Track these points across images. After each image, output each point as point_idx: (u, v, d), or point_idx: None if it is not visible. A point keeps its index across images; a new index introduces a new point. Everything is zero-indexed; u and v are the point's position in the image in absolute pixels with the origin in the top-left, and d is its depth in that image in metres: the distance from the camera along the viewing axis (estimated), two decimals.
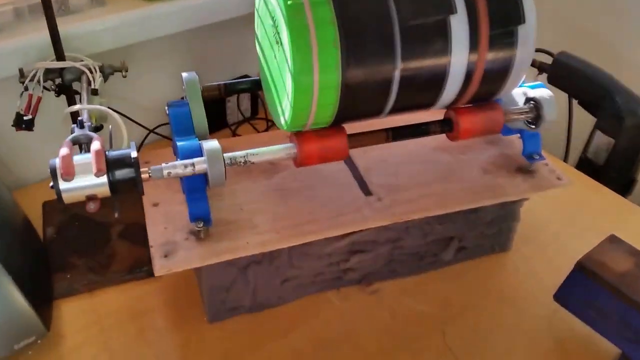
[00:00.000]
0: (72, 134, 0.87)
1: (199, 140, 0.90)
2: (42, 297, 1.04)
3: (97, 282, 1.13)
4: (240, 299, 1.01)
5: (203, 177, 0.87)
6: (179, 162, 0.84)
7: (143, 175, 0.82)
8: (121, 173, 0.80)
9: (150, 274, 1.02)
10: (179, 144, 0.89)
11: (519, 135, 1.06)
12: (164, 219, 0.96)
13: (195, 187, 0.90)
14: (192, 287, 1.09)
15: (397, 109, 0.85)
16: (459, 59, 0.81)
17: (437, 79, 0.81)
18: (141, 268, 1.12)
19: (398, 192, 0.99)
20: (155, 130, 1.43)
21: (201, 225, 0.92)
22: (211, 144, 0.83)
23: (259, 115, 1.56)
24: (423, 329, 1.03)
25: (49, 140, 0.86)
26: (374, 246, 1.02)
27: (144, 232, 0.94)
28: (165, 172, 0.83)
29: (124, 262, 1.18)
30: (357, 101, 0.81)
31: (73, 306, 1.09)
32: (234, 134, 1.48)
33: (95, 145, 0.80)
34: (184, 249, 0.91)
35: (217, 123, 1.49)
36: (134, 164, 0.79)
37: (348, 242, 1.00)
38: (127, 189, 0.82)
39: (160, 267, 0.89)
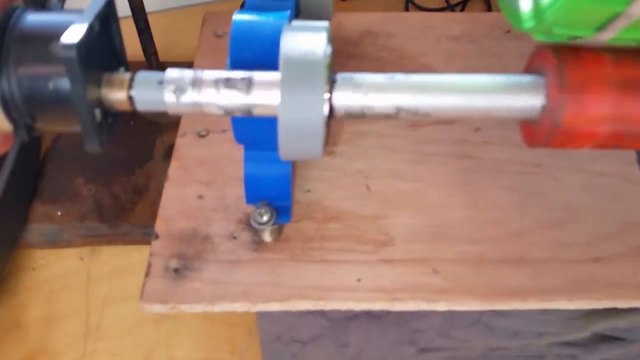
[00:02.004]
0: None
1: (301, 14, 0.39)
2: None
3: (103, 236, 0.66)
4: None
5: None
6: (211, 73, 0.30)
7: (114, 96, 0.30)
8: (32, 80, 0.27)
9: None
10: (234, 17, 0.34)
11: None
12: (204, 176, 0.45)
13: (258, 136, 0.37)
14: None
15: None
16: None
17: None
18: None
19: None
20: None
21: (266, 218, 0.39)
22: (304, 42, 0.28)
23: None
24: None
25: None
26: None
27: None
28: (168, 96, 0.30)
29: (158, 205, 0.68)
30: None
31: (50, 270, 0.63)
32: None
33: None
34: (219, 263, 0.42)
35: None
36: (67, 60, 0.26)
37: (600, 329, 0.43)
38: (58, 123, 0.30)
39: (150, 295, 0.39)
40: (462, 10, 0.86)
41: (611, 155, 0.47)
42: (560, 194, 0.45)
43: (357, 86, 0.31)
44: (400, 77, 0.31)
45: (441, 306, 0.40)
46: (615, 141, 0.29)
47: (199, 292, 0.41)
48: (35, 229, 0.65)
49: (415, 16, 0.62)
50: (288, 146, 0.31)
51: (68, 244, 0.65)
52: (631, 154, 0.47)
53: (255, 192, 0.42)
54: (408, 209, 0.44)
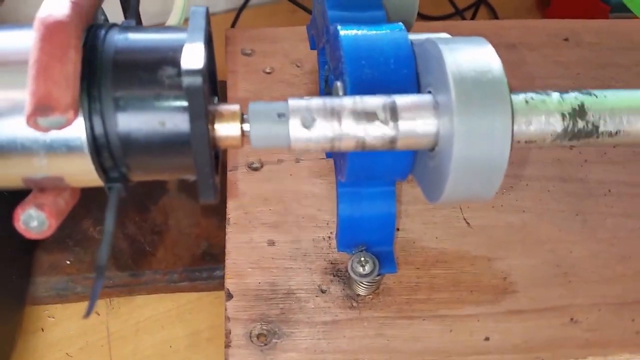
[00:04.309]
0: None
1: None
2: None
3: (122, 286, 0.58)
4: None
5: (409, 156, 0.26)
6: (342, 101, 0.23)
7: (225, 132, 0.24)
8: (135, 117, 0.19)
9: None
10: (341, 33, 0.28)
11: None
12: (270, 217, 0.38)
13: (372, 171, 0.29)
14: None
15: None
16: None
17: None
18: (215, 267, 0.57)
19: None
20: None
21: (368, 268, 0.32)
22: (472, 58, 0.23)
23: None
24: None
25: None
26: None
27: None
28: (295, 130, 0.22)
29: (181, 246, 0.61)
30: None
31: (62, 330, 0.55)
32: None
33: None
34: (313, 325, 0.35)
35: None
36: (191, 90, 0.18)
37: None
38: (157, 171, 0.22)
39: None
40: (472, 17, 0.81)
41: None
42: None
43: (539, 107, 0.25)
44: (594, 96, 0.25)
45: None
46: None
47: None
48: (41, 283, 0.56)
49: (462, 25, 0.57)
50: (458, 185, 0.24)
51: (81, 298, 0.57)
52: None
53: (351, 236, 0.35)
54: (519, 246, 0.38)
